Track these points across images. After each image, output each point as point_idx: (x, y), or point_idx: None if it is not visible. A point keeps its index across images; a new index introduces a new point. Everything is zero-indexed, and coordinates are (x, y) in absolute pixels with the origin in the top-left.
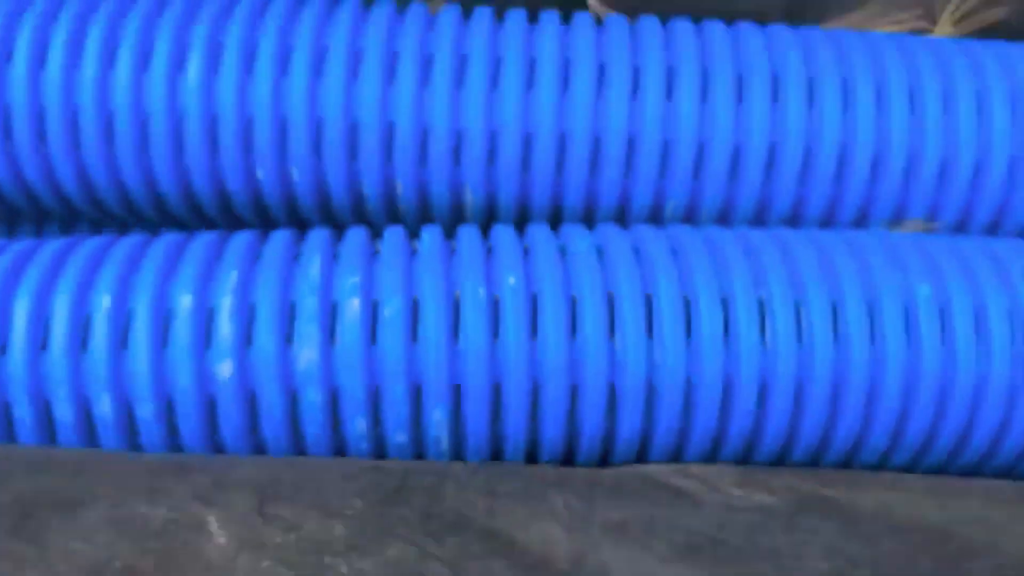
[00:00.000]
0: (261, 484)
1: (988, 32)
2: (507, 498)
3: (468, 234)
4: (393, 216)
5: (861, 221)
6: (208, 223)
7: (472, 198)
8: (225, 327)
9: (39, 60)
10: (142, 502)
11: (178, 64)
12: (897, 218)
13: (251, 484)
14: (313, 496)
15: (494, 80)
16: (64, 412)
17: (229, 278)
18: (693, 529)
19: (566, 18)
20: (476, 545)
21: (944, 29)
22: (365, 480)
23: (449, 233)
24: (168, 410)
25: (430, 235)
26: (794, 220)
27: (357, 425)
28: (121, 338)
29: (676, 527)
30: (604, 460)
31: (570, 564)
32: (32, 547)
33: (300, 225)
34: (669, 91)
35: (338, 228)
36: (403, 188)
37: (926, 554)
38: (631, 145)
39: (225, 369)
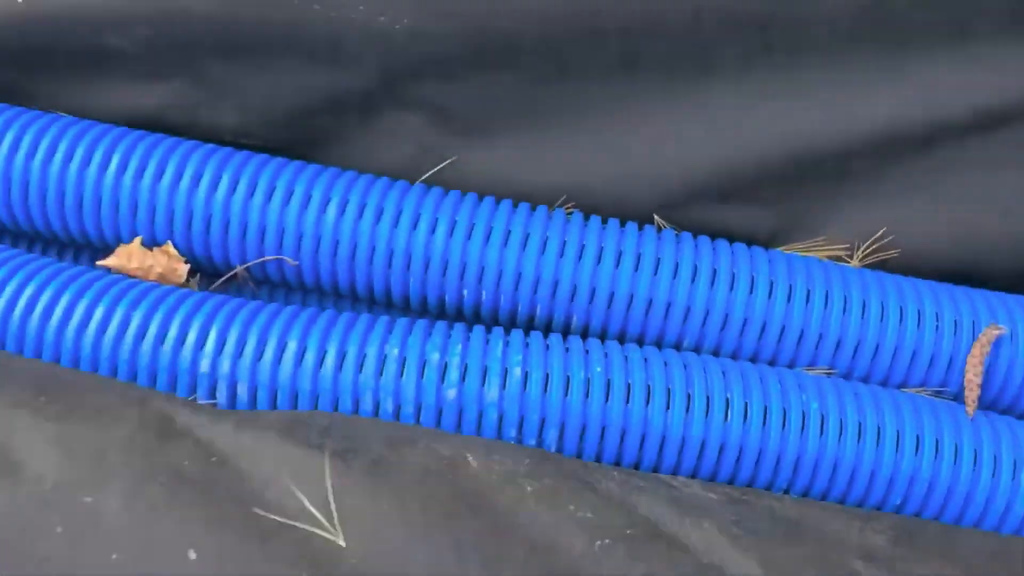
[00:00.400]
0: (485, 445)
1: (884, 264)
2: (593, 470)
3: (575, 341)
4: (531, 326)
5: (791, 365)
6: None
7: (576, 322)
8: (453, 372)
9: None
10: (445, 446)
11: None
12: (810, 366)
13: (482, 445)
14: (509, 453)
15: (599, 258)
16: (367, 408)
17: (457, 347)
18: (677, 497)
19: (640, 225)
20: (579, 486)
21: (854, 262)
22: (528, 451)
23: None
24: (418, 412)
25: (555, 338)
26: (753, 359)
27: (509, 432)
28: (401, 372)
29: (668, 495)
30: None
31: (620, 499)
32: (396, 455)
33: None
34: (693, 277)
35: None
36: (539, 312)
37: (781, 522)
38: (668, 306)
39: (451, 394)
